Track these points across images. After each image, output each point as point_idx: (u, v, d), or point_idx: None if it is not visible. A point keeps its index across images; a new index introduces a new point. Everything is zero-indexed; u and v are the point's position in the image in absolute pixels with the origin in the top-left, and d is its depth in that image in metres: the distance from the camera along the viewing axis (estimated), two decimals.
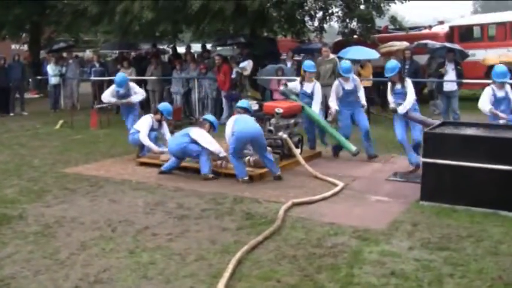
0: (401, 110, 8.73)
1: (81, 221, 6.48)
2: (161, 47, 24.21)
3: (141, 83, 18.51)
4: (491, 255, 5.23)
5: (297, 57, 18.42)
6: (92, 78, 17.85)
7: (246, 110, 8.98)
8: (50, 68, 19.39)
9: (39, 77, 19.84)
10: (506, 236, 5.74)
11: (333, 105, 9.79)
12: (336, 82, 9.93)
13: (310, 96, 10.15)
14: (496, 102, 8.66)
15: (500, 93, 8.68)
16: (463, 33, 18.07)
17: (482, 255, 5.24)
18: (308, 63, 10.55)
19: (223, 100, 15.26)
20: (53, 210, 6.92)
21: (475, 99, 17.52)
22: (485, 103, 8.62)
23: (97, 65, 18.67)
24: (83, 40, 26.93)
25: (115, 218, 6.56)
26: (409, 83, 8.89)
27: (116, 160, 10.15)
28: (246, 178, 8.26)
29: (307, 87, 10.29)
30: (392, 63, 9.19)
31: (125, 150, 10.82)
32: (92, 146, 11.59)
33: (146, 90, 18.07)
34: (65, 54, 21.11)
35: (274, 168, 8.47)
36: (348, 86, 9.77)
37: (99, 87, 17.04)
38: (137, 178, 8.64)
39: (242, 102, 9.25)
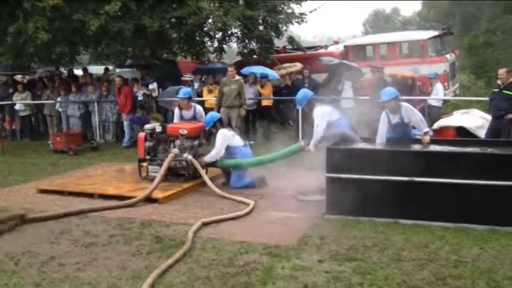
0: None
1: None
2: (54, 69, 23.37)
3: (38, 108, 17.94)
4: (395, 262, 5.51)
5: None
6: None
7: None
8: None
9: None
10: (407, 243, 6.08)
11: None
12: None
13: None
14: None
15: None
16: (357, 52, 18.77)
17: (387, 262, 5.51)
18: (183, 90, 10.64)
19: (124, 123, 14.97)
20: None
21: None
22: None
23: None
24: None
25: (17, 250, 6.27)
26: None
27: (13, 189, 9.72)
28: None
29: (187, 114, 10.38)
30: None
31: (24, 178, 10.43)
32: None
33: (43, 115, 17.49)
34: None
35: None
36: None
37: None
38: (39, 206, 8.30)
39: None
